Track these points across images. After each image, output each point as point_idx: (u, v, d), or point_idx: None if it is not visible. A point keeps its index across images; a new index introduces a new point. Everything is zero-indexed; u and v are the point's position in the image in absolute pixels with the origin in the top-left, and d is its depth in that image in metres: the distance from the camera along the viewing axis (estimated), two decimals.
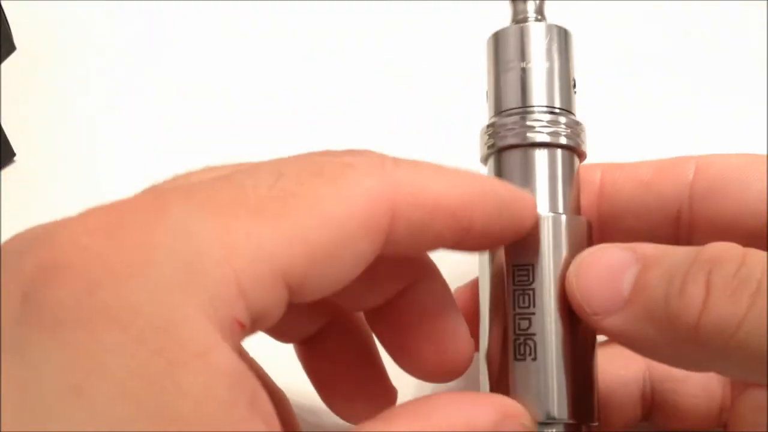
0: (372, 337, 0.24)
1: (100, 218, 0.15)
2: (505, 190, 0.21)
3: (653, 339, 0.19)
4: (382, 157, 0.18)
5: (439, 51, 0.39)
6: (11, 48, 0.38)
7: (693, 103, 0.37)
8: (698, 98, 0.38)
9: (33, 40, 0.39)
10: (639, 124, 0.37)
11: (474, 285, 0.24)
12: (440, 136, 0.36)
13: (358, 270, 0.18)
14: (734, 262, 0.18)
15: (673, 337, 0.18)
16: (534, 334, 0.21)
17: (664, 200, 0.24)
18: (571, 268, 0.20)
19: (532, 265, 0.21)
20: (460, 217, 0.19)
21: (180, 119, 0.37)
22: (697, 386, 0.24)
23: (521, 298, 0.21)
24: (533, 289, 0.21)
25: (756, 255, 0.18)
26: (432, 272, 0.23)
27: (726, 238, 0.23)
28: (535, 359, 0.21)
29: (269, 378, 0.23)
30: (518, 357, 0.21)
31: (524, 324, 0.21)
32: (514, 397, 0.20)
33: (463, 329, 0.23)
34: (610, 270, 0.20)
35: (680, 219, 0.24)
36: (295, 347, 0.25)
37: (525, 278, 0.21)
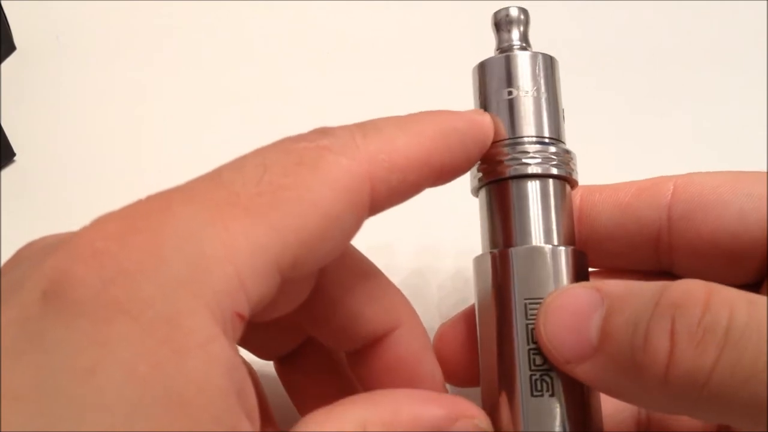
0: None
1: (113, 225, 0.16)
2: (462, 121, 0.21)
3: (626, 388, 0.19)
4: (351, 132, 0.19)
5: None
6: (11, 48, 0.39)
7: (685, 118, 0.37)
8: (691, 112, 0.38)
9: (33, 40, 0.39)
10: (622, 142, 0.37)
11: (458, 322, 0.24)
12: None
13: (347, 240, 0.19)
14: (698, 307, 0.18)
15: (643, 387, 0.18)
16: (550, 370, 0.20)
17: (642, 223, 0.24)
18: (539, 315, 0.20)
19: (544, 299, 0.21)
20: (432, 164, 0.20)
21: (180, 119, 0.37)
22: None
23: (535, 332, 0.21)
24: None
25: (720, 295, 0.18)
26: (410, 319, 0.23)
27: (706, 259, 0.23)
28: (552, 395, 0.20)
29: (252, 367, 0.24)
30: (535, 393, 0.20)
31: (539, 359, 0.20)
32: None
33: (438, 376, 0.23)
34: (577, 316, 0.20)
35: (660, 241, 0.24)
36: (275, 364, 0.26)
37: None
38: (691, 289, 0.18)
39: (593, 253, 0.24)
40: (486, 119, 0.22)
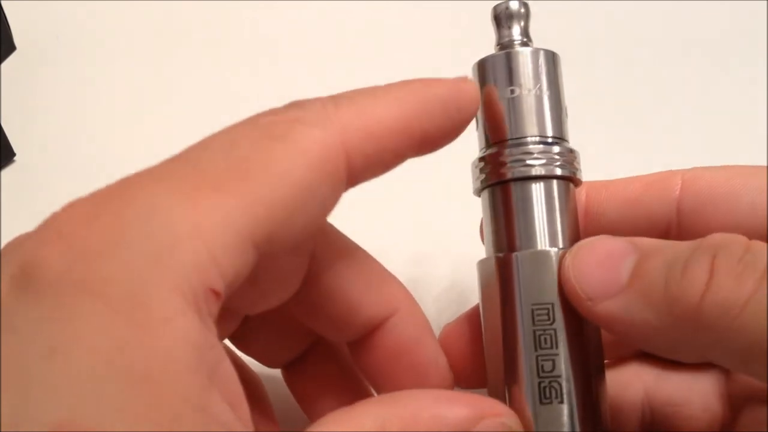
0: None
1: (81, 208, 0.16)
2: (444, 87, 0.20)
3: (650, 324, 0.19)
4: (323, 104, 0.19)
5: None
6: (11, 48, 0.39)
7: (686, 114, 0.37)
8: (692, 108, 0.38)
9: (33, 40, 0.39)
10: (626, 135, 0.37)
11: (462, 322, 0.24)
12: None
13: (325, 213, 0.19)
14: (739, 248, 0.18)
15: (672, 320, 0.18)
16: (559, 376, 0.20)
17: (651, 218, 0.23)
18: (568, 255, 0.20)
19: (552, 305, 0.20)
20: (412, 131, 0.20)
21: (180, 119, 0.37)
22: (698, 408, 0.24)
23: (543, 339, 0.20)
24: (555, 329, 0.20)
25: (760, 244, 0.18)
26: (408, 304, 0.23)
27: None
28: (561, 402, 0.20)
29: (246, 364, 0.24)
30: (544, 400, 0.20)
31: (548, 366, 0.20)
32: None
33: (442, 361, 0.23)
34: (608, 257, 0.20)
35: (669, 235, 0.23)
36: (282, 372, 0.26)
37: (545, 318, 0.20)
38: (732, 236, 0.19)
39: None
40: (471, 85, 0.21)
